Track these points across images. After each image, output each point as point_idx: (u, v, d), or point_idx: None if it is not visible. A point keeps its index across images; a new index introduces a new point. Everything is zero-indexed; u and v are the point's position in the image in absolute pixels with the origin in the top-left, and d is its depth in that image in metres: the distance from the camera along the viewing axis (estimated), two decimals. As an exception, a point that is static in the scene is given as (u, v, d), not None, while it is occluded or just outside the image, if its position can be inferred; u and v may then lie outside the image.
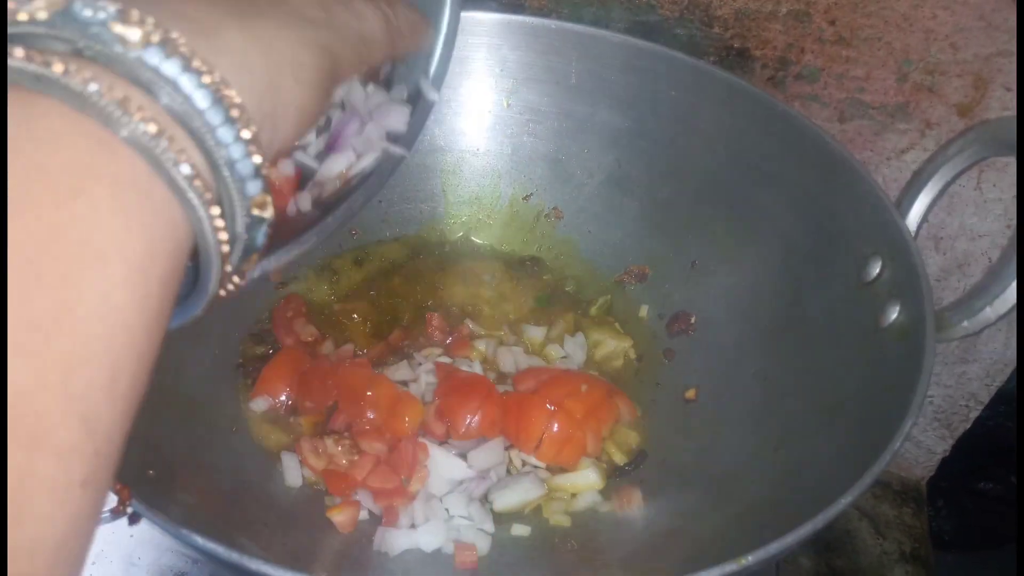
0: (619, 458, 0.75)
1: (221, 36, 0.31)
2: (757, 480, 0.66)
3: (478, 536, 0.67)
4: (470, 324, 0.83)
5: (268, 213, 0.32)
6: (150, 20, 0.28)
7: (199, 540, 0.47)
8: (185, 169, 0.28)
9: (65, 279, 0.24)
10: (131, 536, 0.71)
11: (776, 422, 0.69)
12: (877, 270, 0.68)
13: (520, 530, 0.69)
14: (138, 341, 0.27)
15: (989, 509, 1.15)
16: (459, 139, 0.89)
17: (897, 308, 0.65)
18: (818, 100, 0.87)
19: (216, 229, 0.30)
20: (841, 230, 0.72)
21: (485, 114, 0.88)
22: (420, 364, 0.78)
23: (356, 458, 0.70)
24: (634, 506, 0.71)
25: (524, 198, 0.90)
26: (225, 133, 0.30)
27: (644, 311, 0.84)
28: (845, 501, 0.51)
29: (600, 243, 0.88)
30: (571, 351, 0.82)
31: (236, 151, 0.30)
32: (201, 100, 0.29)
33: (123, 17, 0.28)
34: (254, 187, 0.31)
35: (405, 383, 0.76)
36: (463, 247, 0.91)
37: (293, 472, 0.71)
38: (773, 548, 0.49)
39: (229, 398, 0.75)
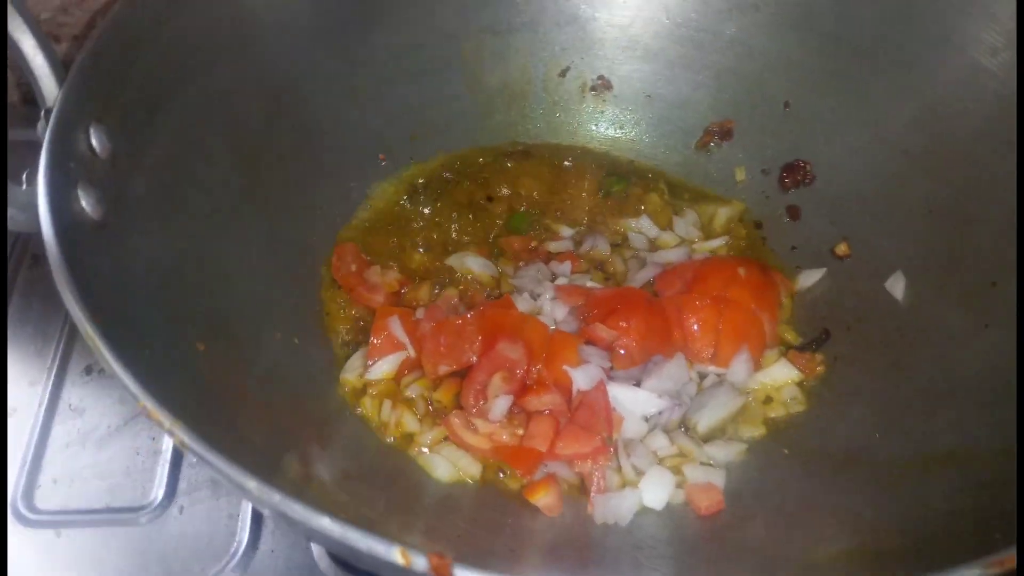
0: (794, 338, 0.64)
1: None
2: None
3: (708, 472, 0.56)
4: (563, 231, 0.69)
5: None
6: None
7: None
8: None
9: None
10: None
11: (972, 261, 0.59)
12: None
13: (734, 451, 0.58)
14: None
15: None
16: (472, 16, 0.72)
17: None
18: None
19: None
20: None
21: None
22: (539, 295, 0.63)
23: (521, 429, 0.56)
24: (818, 372, 0.62)
25: (560, 74, 0.75)
26: None
27: (742, 173, 0.72)
28: None
29: (666, 106, 0.74)
30: (685, 233, 0.70)
31: None
32: None
33: None
34: None
35: (532, 318, 0.61)
36: (510, 153, 0.75)
37: (443, 466, 0.56)
38: None
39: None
